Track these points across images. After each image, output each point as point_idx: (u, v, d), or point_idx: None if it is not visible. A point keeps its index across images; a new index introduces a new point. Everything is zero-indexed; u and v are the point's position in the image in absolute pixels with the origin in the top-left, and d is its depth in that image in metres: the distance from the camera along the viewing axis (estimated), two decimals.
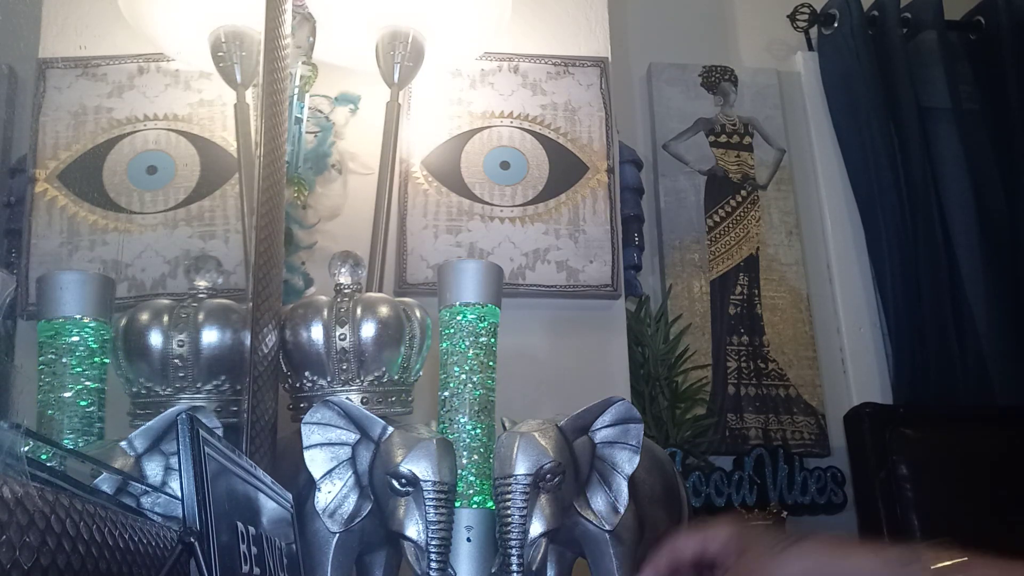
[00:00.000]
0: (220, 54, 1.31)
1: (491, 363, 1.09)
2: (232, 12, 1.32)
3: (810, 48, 2.54)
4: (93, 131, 1.22)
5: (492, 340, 1.10)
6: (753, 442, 2.13)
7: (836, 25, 2.45)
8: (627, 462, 1.06)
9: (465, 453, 1.05)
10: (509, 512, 0.99)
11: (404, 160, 1.64)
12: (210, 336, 1.09)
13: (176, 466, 0.78)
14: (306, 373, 1.15)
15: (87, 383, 0.96)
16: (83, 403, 0.95)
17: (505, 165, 1.68)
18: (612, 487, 1.06)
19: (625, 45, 2.38)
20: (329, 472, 1.02)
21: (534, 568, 1.00)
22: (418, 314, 1.19)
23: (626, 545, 1.06)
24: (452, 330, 1.09)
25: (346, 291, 1.19)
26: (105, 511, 0.56)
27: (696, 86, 2.43)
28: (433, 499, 0.98)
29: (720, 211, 2.33)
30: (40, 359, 0.96)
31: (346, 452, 1.03)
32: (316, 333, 1.14)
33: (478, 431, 1.06)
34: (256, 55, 1.27)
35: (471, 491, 1.04)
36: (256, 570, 0.74)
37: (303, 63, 1.50)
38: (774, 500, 1.98)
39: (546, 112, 1.73)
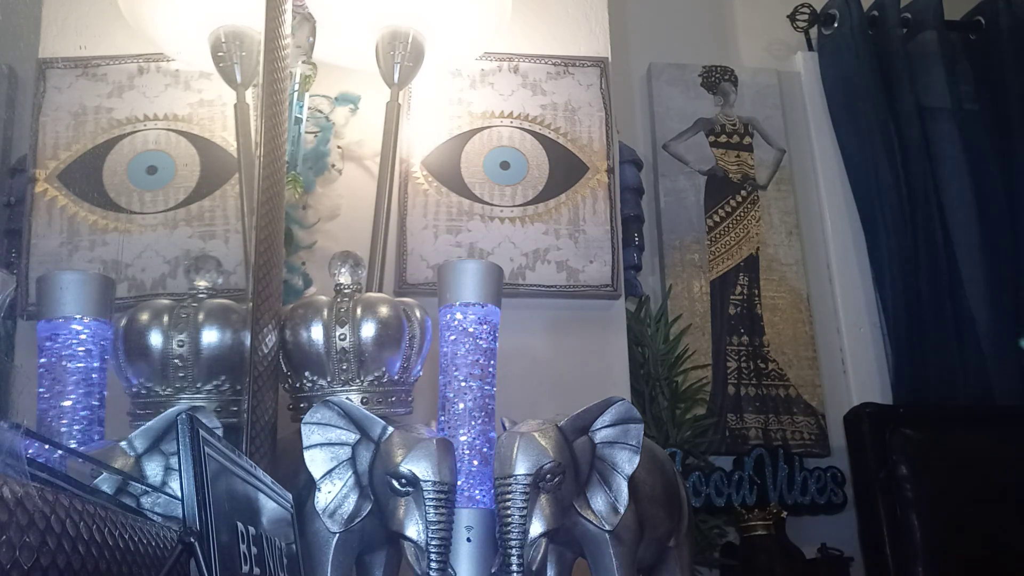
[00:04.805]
0: (220, 54, 1.31)
1: (491, 363, 1.09)
2: (232, 12, 1.32)
3: (810, 48, 2.54)
4: (93, 131, 1.22)
5: (492, 340, 1.10)
6: (753, 442, 2.13)
7: (836, 25, 2.45)
8: (627, 462, 1.06)
9: (465, 454, 1.05)
10: (509, 512, 0.99)
11: (404, 160, 1.64)
12: (210, 336, 1.09)
13: (176, 466, 0.77)
14: (306, 373, 1.15)
15: (87, 383, 0.96)
16: (82, 403, 0.95)
17: (505, 165, 1.68)
18: (612, 487, 1.06)
19: (625, 45, 2.38)
20: (329, 472, 1.02)
21: (534, 568, 1.00)
22: (418, 314, 1.19)
23: (626, 545, 1.06)
24: (452, 330, 1.09)
25: (346, 291, 1.19)
26: (105, 511, 0.56)
27: (696, 86, 2.43)
28: (433, 499, 0.98)
29: (720, 211, 2.33)
30: (40, 359, 0.96)
31: (346, 452, 1.03)
32: (316, 333, 1.14)
33: (477, 431, 1.06)
34: (256, 55, 1.27)
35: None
36: (256, 570, 0.74)
37: (303, 63, 1.50)
38: (774, 500, 1.98)
39: (546, 112, 1.73)
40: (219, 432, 0.79)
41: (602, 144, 1.72)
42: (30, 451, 0.55)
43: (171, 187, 1.25)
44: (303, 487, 1.03)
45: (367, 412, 1.03)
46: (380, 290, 1.39)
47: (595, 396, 1.07)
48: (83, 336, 0.97)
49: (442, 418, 1.08)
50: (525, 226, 1.65)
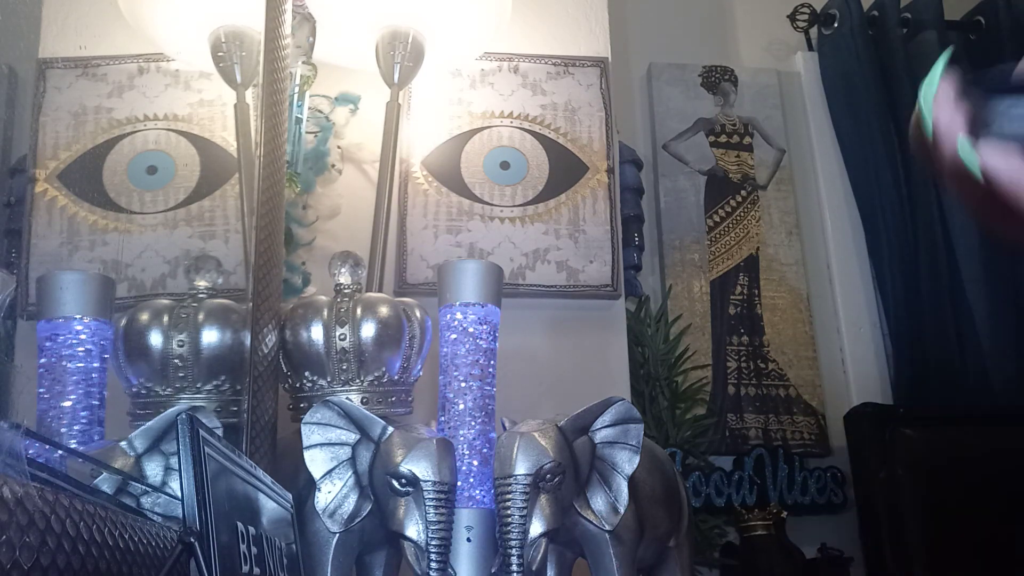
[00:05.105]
0: (220, 54, 1.31)
1: (491, 363, 1.09)
2: (232, 12, 1.32)
3: (810, 48, 2.54)
4: (93, 131, 1.22)
5: (492, 340, 1.10)
6: (753, 442, 2.13)
7: (836, 25, 2.45)
8: (627, 462, 1.06)
9: (465, 454, 1.05)
10: (509, 512, 0.99)
11: (404, 160, 1.64)
12: (210, 336, 1.09)
13: (176, 466, 0.77)
14: (306, 373, 1.15)
15: (87, 383, 0.96)
16: (82, 403, 0.95)
17: (505, 165, 1.68)
18: (612, 487, 1.06)
19: (625, 45, 2.38)
20: (329, 472, 1.02)
21: (534, 568, 1.00)
22: (418, 314, 1.19)
23: (626, 545, 1.06)
24: (452, 330, 1.09)
25: (346, 291, 1.19)
26: (105, 511, 0.56)
27: (696, 86, 2.43)
28: (433, 499, 0.98)
29: (720, 211, 2.33)
30: (40, 359, 0.96)
31: (346, 452, 1.03)
32: (316, 333, 1.14)
33: (477, 431, 1.06)
34: (256, 55, 1.27)
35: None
36: (256, 570, 0.74)
37: (303, 63, 1.50)
38: (774, 500, 1.98)
39: (546, 112, 1.73)
40: (219, 432, 0.79)
41: (602, 144, 1.72)
42: (30, 451, 0.56)
43: (171, 187, 1.25)
44: (303, 487, 1.03)
45: (367, 412, 1.03)
46: (380, 290, 1.39)
47: (595, 396, 1.07)
48: (83, 336, 0.97)
49: (442, 418, 1.08)
50: (525, 226, 1.65)
